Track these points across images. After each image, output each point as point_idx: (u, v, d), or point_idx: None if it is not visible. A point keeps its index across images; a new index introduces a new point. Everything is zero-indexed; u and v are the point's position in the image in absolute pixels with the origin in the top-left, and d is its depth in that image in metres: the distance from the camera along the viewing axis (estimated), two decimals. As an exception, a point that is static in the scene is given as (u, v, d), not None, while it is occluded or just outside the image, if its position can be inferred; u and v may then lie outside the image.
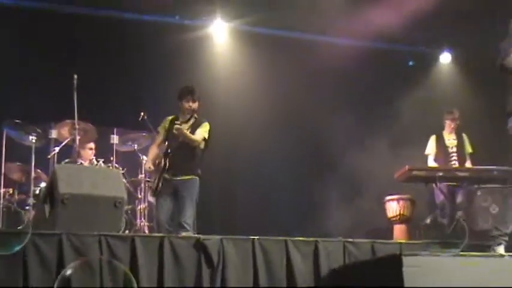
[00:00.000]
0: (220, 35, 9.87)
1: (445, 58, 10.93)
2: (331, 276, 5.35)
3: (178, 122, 6.83)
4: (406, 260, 4.56)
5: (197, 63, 9.64)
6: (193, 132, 6.87)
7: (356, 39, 10.22)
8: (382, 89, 10.14)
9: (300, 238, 5.40)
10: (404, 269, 4.51)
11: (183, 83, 8.80)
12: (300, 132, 9.69)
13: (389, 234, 8.65)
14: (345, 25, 9.70)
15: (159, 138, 7.07)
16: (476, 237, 7.35)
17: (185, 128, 6.83)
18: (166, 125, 7.03)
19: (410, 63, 11.03)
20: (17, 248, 4.85)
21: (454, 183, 8.35)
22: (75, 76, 7.01)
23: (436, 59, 11.01)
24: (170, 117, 7.08)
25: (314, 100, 9.53)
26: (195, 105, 7.01)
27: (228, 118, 9.22)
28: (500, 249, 5.20)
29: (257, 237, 5.30)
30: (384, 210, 8.91)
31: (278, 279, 5.25)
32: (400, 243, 6.22)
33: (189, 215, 6.59)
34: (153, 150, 7.04)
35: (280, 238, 5.38)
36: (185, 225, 6.50)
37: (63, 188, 5.34)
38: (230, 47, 9.97)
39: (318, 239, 5.43)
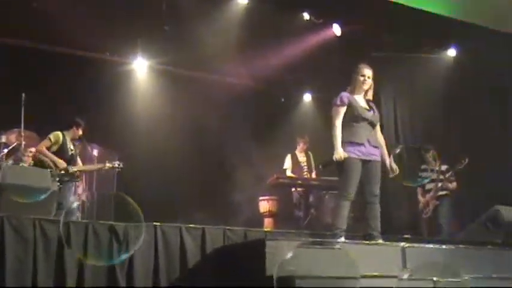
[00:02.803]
0: (141, 70, 9.69)
1: (307, 98, 11.19)
2: (213, 254, 5.34)
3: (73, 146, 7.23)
4: (268, 244, 4.60)
5: (123, 91, 9.45)
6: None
7: (244, 79, 10.32)
8: (263, 118, 10.27)
9: (191, 225, 5.36)
10: (266, 249, 4.55)
11: (112, 107, 8.79)
12: (202, 145, 9.62)
13: (260, 224, 8.75)
14: (236, 68, 9.80)
15: (47, 143, 7.00)
16: (324, 228, 7.55)
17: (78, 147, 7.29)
18: (60, 140, 7.04)
19: (282, 99, 11.19)
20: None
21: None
22: (23, 95, 6.80)
23: (301, 98, 11.24)
24: (60, 133, 7.10)
25: (213, 123, 9.50)
26: None
27: (149, 135, 9.14)
28: (342, 240, 5.33)
29: (159, 223, 5.22)
30: (258, 206, 9.02)
31: (173, 255, 5.20)
32: (266, 231, 6.27)
33: None
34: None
35: (176, 225, 5.33)
36: None
37: (5, 179, 5.15)
38: (149, 79, 9.80)
39: (205, 226, 5.41)
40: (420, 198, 8.28)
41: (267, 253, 4.54)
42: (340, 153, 5.47)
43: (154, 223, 5.18)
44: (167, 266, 5.14)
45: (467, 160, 7.79)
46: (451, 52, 9.43)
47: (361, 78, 5.72)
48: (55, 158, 6.87)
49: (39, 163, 6.83)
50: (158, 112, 9.43)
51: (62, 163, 6.88)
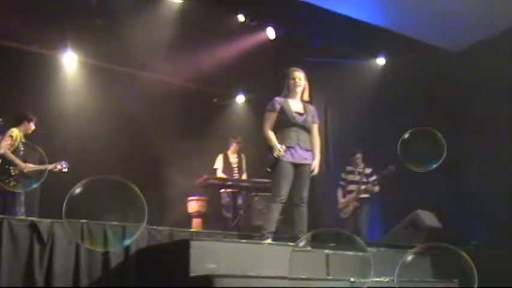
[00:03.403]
0: (70, 64, 9.39)
1: (240, 99, 11.21)
2: (137, 254, 5.23)
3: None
4: (193, 244, 4.56)
5: (51, 84, 9.13)
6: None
7: (177, 78, 10.21)
8: (196, 117, 10.19)
9: (114, 222, 5.22)
10: (191, 250, 4.51)
11: (39, 100, 8.46)
12: (133, 143, 9.41)
13: (189, 225, 8.67)
14: (170, 66, 9.67)
15: (9, 141, 6.72)
16: (252, 229, 7.58)
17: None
18: (18, 138, 6.79)
19: (215, 100, 11.14)
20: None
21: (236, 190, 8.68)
22: None
23: (234, 99, 11.25)
24: (17, 130, 6.85)
25: (144, 120, 9.35)
26: None
27: (77, 129, 8.92)
28: (269, 241, 5.39)
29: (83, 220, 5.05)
30: (187, 206, 8.94)
31: (95, 254, 5.04)
32: (191, 231, 6.24)
33: None
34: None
35: (100, 222, 5.18)
36: None
37: None
38: (78, 73, 9.49)
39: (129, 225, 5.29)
40: (340, 198, 8.38)
41: (191, 254, 4.50)
42: (279, 148, 5.53)
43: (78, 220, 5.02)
44: (88, 265, 5.00)
45: (394, 168, 7.98)
46: (380, 60, 9.67)
47: (292, 82, 5.80)
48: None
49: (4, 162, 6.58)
50: (88, 107, 9.19)
51: (24, 165, 6.66)
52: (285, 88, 5.84)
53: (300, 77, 5.81)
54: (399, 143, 5.24)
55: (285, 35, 9.03)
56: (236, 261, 4.71)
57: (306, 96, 5.88)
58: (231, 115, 11.11)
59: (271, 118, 5.70)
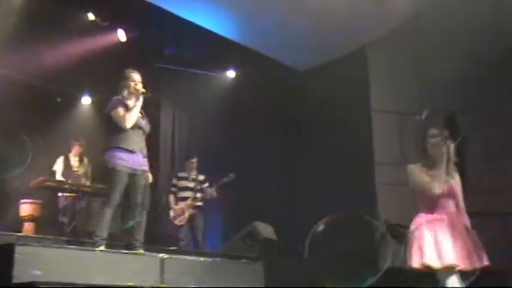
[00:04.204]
0: None
1: (86, 100, 10.84)
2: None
3: None
4: (18, 249, 4.33)
5: None
6: None
7: (16, 72, 9.60)
8: (36, 116, 9.67)
9: None
10: (16, 255, 4.28)
11: None
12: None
13: (20, 229, 8.20)
14: (7, 59, 9.08)
15: None
16: (86, 236, 7.34)
17: None
18: None
19: (59, 99, 10.66)
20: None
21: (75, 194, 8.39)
22: None
23: (79, 100, 10.87)
24: None
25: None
26: None
27: None
28: (101, 248, 5.25)
29: None
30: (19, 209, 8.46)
31: None
32: (19, 235, 5.93)
33: None
34: None
35: None
36: None
37: None
38: None
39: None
40: (173, 206, 8.31)
41: (15, 259, 4.27)
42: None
43: None
44: None
45: (234, 176, 8.19)
46: (230, 73, 9.92)
47: (133, 84, 5.66)
48: None
49: None
50: None
51: None
52: (124, 90, 5.66)
53: (139, 80, 5.71)
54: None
55: (137, 39, 8.95)
56: (65, 269, 4.54)
57: (141, 101, 5.79)
58: (76, 116, 10.70)
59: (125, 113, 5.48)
